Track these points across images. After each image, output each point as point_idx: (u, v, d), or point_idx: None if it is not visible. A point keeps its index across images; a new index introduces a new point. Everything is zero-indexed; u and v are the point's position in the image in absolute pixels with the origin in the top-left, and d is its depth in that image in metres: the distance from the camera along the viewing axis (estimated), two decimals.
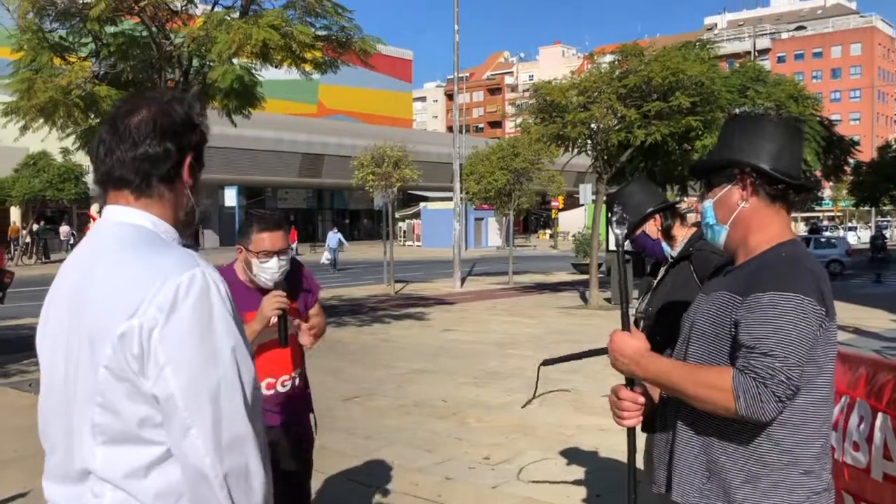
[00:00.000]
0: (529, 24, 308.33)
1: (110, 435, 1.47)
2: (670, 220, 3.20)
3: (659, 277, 3.21)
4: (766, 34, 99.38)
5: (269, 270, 3.07)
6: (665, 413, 2.11)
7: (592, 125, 16.80)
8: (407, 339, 12.49)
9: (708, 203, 2.09)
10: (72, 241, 33.70)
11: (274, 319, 3.02)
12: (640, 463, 2.40)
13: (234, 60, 11.39)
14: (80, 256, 1.62)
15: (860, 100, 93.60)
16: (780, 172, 1.98)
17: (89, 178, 26.59)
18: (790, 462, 1.89)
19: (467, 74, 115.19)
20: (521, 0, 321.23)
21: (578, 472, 5.57)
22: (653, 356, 2.00)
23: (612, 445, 5.80)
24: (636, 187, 3.24)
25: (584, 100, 16.55)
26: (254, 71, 11.90)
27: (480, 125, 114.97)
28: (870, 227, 57.21)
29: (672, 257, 3.17)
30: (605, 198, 16.25)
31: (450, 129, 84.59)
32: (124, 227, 1.57)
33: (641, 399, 2.16)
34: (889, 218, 68.88)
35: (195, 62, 12.14)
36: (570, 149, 17.94)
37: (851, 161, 30.84)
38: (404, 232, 51.11)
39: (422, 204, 48.51)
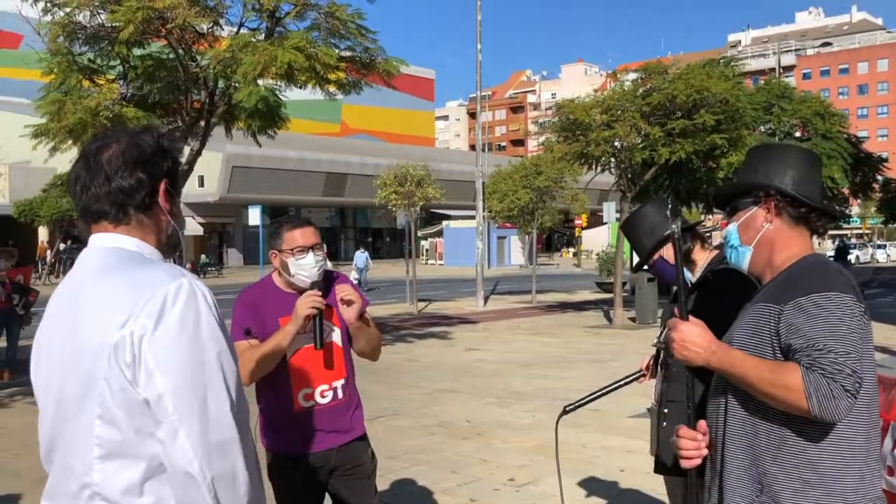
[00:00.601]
0: (552, 43, 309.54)
1: (109, 448, 1.51)
2: (690, 242, 3.04)
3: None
4: (790, 51, 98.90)
5: (306, 266, 2.99)
6: (712, 426, 2.07)
7: (616, 143, 16.75)
8: (430, 358, 12.46)
9: (732, 226, 2.14)
10: None
11: (307, 313, 2.87)
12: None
13: (259, 81, 11.52)
14: (70, 282, 1.67)
15: (888, 116, 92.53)
16: (803, 196, 2.04)
17: None
18: (844, 467, 1.86)
19: (490, 93, 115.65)
20: (543, 18, 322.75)
21: (603, 494, 5.50)
22: (723, 345, 1.97)
23: (638, 467, 5.72)
24: (652, 209, 3.12)
25: (608, 118, 16.51)
26: (278, 92, 12.02)
27: (503, 143, 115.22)
28: None
29: (692, 283, 3.00)
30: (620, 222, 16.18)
31: (472, 147, 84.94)
32: (109, 251, 1.63)
33: (701, 436, 2.06)
34: None
35: (221, 83, 12.29)
36: (594, 167, 17.90)
37: (880, 178, 30.49)
38: (427, 250, 51.18)
39: (444, 222, 48.61)
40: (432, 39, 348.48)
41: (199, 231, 41.78)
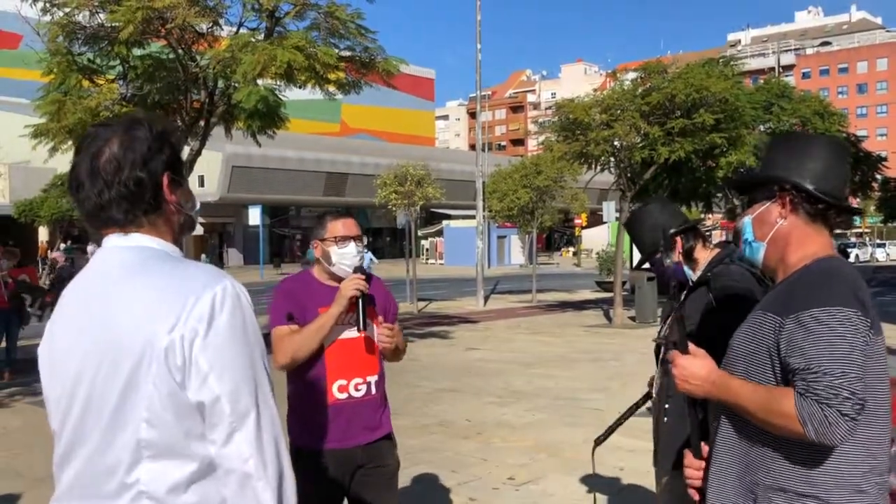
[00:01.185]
0: (552, 42, 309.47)
1: (156, 450, 1.50)
2: (692, 241, 3.06)
3: (679, 303, 3.12)
4: (790, 50, 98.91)
5: (348, 255, 3.04)
6: (713, 434, 2.06)
7: (615, 143, 16.75)
8: (431, 357, 12.46)
9: (747, 219, 2.07)
10: None
11: (351, 293, 2.91)
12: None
13: (259, 81, 11.52)
14: (87, 283, 1.62)
15: (887, 115, 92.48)
16: (822, 192, 1.95)
17: None
18: (839, 482, 1.81)
19: (489, 93, 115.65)
20: (542, 18, 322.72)
21: (603, 493, 5.50)
22: (724, 375, 1.94)
23: (638, 466, 5.72)
24: (655, 207, 3.16)
25: (607, 117, 16.51)
26: (277, 91, 12.02)
27: (503, 143, 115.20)
28: None
29: (692, 281, 3.04)
30: (623, 218, 16.19)
31: (472, 147, 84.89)
32: (130, 250, 1.59)
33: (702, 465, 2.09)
34: None
35: (220, 83, 12.30)
36: (594, 166, 17.90)
37: (879, 177, 30.49)
38: (427, 250, 51.16)
39: (444, 222, 48.60)
40: (432, 39, 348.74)
41: (199, 231, 41.75)
